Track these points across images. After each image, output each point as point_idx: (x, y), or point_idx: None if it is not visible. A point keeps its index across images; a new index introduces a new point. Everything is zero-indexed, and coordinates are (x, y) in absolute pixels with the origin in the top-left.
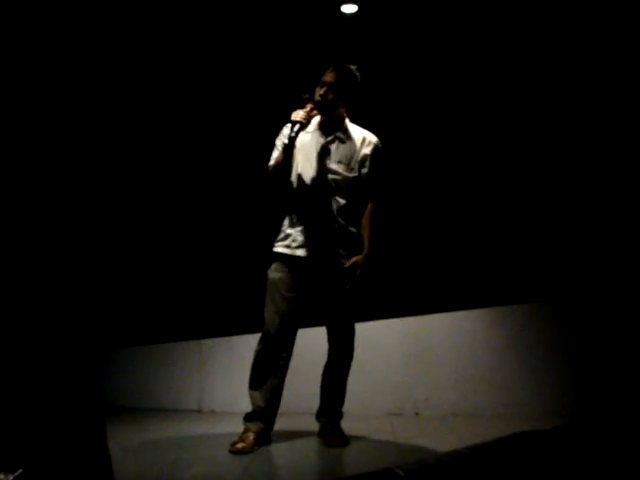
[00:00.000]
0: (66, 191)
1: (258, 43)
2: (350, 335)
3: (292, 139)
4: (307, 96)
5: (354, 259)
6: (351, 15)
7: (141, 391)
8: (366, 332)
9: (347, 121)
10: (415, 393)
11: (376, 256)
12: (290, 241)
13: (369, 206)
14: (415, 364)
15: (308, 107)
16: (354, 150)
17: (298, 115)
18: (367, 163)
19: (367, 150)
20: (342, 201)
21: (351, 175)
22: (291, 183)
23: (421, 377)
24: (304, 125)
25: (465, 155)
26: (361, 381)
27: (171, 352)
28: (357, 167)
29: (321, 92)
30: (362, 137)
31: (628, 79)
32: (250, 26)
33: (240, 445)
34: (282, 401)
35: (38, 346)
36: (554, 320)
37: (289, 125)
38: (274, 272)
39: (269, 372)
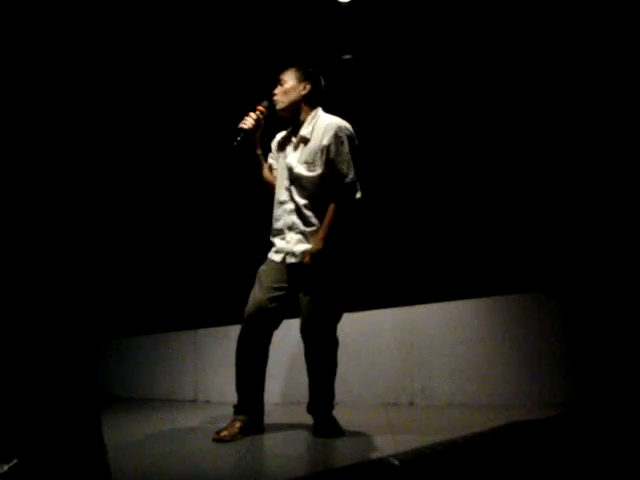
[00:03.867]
0: (60, 183)
1: (253, 35)
2: (321, 330)
3: (236, 148)
4: (266, 104)
5: (307, 250)
6: (347, 4)
7: (136, 381)
8: (362, 322)
9: (316, 115)
10: (411, 383)
11: (338, 252)
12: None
13: (331, 205)
14: (411, 354)
15: (258, 111)
16: (316, 145)
17: (246, 122)
18: (326, 155)
19: (325, 141)
20: (304, 201)
21: (314, 174)
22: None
23: (417, 367)
24: (249, 132)
25: (463, 145)
26: (356, 371)
27: (167, 342)
28: (320, 163)
29: (275, 91)
30: (323, 128)
31: (628, 77)
32: (245, 18)
33: (223, 433)
34: (277, 391)
35: (32, 337)
36: (550, 310)
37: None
38: (262, 265)
39: (248, 361)
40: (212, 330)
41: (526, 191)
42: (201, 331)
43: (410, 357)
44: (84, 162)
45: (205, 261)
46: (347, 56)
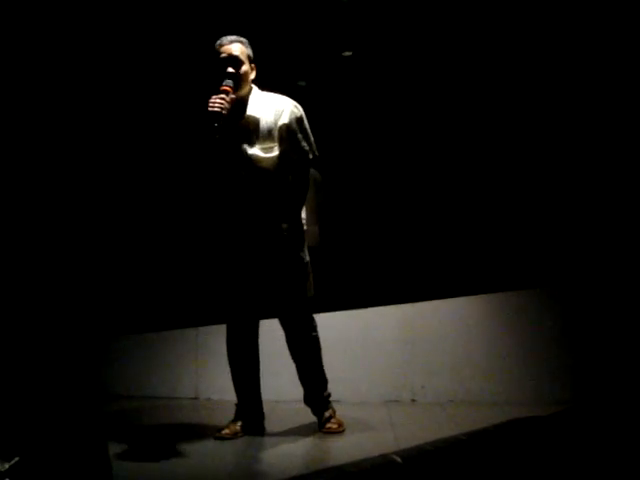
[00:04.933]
0: (61, 182)
1: (255, 31)
2: (298, 322)
3: (214, 137)
4: (231, 83)
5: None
6: (346, 1)
7: (137, 379)
8: (363, 319)
9: (254, 93)
10: (412, 380)
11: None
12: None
13: (295, 183)
14: (412, 351)
15: (224, 91)
16: (269, 125)
17: (215, 104)
18: (287, 134)
19: (284, 120)
20: (263, 184)
21: (272, 155)
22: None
23: (418, 364)
24: (223, 116)
25: (462, 142)
26: (358, 368)
27: (167, 340)
28: (277, 143)
29: (230, 69)
30: (274, 107)
31: (628, 77)
32: (244, 13)
33: (224, 432)
34: (278, 389)
35: (34, 336)
36: (551, 306)
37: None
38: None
39: (241, 361)
40: (213, 328)
41: (526, 188)
42: (202, 329)
43: (411, 354)
44: (87, 160)
45: (206, 259)
46: (347, 53)
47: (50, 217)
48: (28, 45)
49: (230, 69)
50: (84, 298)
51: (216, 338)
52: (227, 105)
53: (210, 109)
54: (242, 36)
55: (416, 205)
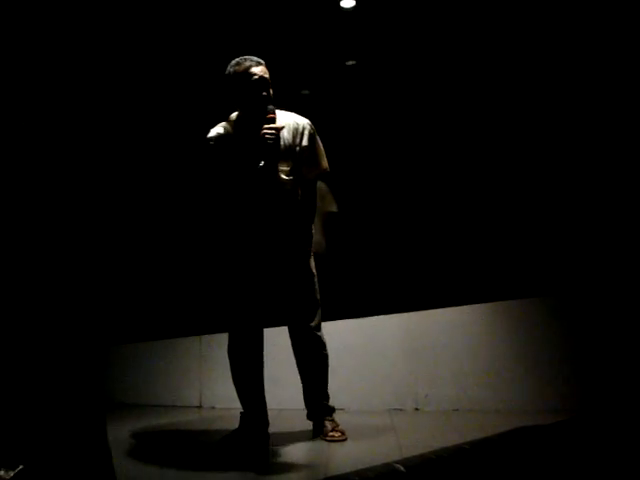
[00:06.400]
0: (65, 188)
1: (256, 39)
2: (308, 334)
3: (259, 166)
4: (271, 107)
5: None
6: (349, 10)
7: (141, 387)
8: (366, 327)
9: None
10: (416, 388)
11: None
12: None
13: (311, 197)
14: (415, 359)
15: (271, 119)
16: (288, 146)
17: (271, 137)
18: (307, 155)
19: (305, 142)
20: (285, 205)
21: (291, 178)
22: None
23: (422, 372)
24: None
25: (466, 149)
26: (361, 377)
27: (171, 348)
28: (293, 164)
29: (265, 93)
30: (293, 129)
31: (628, 79)
32: (247, 21)
33: (229, 439)
34: (281, 398)
35: (38, 343)
36: (555, 315)
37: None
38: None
39: (245, 369)
40: (218, 337)
41: (528, 197)
42: (206, 337)
43: (415, 362)
44: (91, 169)
45: (210, 267)
46: (351, 62)
47: (55, 224)
48: (42, 46)
49: (264, 93)
50: (88, 305)
51: (220, 347)
52: (277, 134)
53: (268, 142)
54: (245, 46)
55: (420, 213)
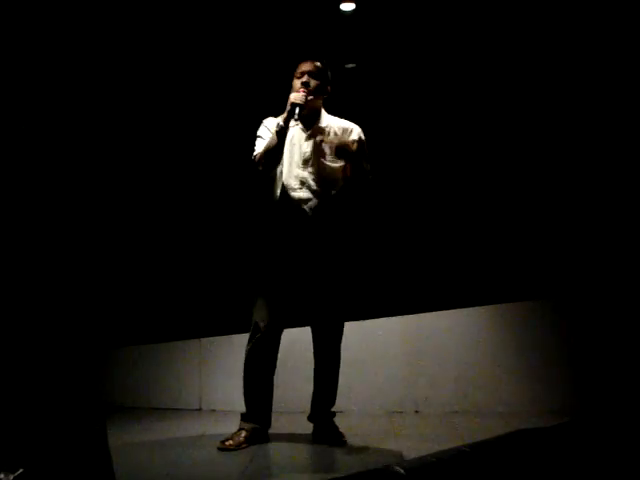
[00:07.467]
0: (65, 189)
1: (255, 41)
2: (333, 336)
3: (287, 121)
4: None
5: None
6: (349, 13)
7: (141, 390)
8: (367, 330)
9: (324, 112)
10: (415, 391)
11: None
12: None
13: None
14: (415, 362)
15: (302, 91)
16: (338, 140)
17: (297, 97)
18: (352, 152)
19: (354, 138)
20: (324, 190)
21: (338, 165)
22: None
23: (421, 375)
24: (302, 107)
25: (466, 151)
26: (362, 379)
27: (171, 351)
28: (340, 157)
29: (304, 80)
30: (343, 127)
31: (628, 79)
32: (247, 24)
33: (228, 442)
34: (281, 400)
35: (38, 345)
36: (554, 317)
37: (288, 108)
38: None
39: (260, 369)
40: (218, 339)
41: (530, 199)
42: (206, 340)
43: (415, 365)
44: (92, 171)
45: (211, 269)
46: (350, 65)
47: (56, 229)
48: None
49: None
50: (88, 307)
51: (220, 349)
52: (303, 99)
53: (293, 100)
54: (246, 47)
55: (420, 216)
